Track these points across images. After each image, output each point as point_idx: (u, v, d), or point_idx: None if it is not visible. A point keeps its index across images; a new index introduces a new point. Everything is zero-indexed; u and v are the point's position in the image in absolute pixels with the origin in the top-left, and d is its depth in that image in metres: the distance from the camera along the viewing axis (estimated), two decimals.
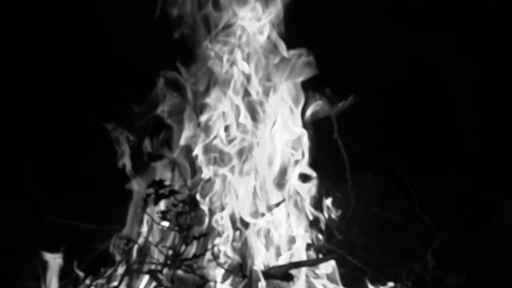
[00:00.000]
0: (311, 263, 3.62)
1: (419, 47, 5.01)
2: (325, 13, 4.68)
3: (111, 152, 3.79)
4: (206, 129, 3.76)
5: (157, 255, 3.56)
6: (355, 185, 3.98)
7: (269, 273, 3.53)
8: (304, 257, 3.67)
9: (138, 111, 3.78)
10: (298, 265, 3.58)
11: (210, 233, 3.61)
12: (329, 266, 3.65)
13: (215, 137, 3.74)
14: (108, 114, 3.86)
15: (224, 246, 3.59)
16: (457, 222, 4.24)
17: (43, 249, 3.54)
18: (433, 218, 4.00)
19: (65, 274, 3.57)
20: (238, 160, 3.74)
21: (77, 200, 4.36)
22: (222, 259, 3.57)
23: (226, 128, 3.77)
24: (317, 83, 3.83)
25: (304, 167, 3.78)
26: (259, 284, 3.47)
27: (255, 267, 3.53)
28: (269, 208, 3.68)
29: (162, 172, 3.73)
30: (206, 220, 3.63)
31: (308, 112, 3.82)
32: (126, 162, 3.76)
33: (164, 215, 3.50)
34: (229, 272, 3.52)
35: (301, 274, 3.61)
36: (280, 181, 3.76)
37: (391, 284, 3.69)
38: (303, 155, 3.78)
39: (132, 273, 3.52)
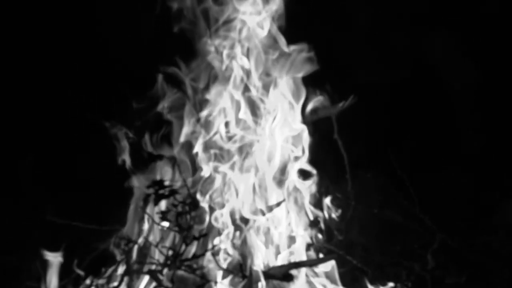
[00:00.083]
0: (311, 263, 3.62)
1: (419, 47, 5.01)
2: (325, 13, 4.67)
3: (111, 152, 3.79)
4: (206, 125, 3.75)
5: (157, 255, 3.56)
6: (355, 185, 3.98)
7: (269, 273, 3.53)
8: (304, 257, 3.67)
9: (137, 108, 3.78)
10: (298, 265, 3.58)
11: (210, 232, 3.61)
12: (329, 265, 3.65)
13: (215, 133, 3.74)
14: (108, 113, 3.86)
15: (224, 243, 3.58)
16: (457, 222, 4.24)
17: (43, 249, 3.54)
18: (433, 218, 4.00)
19: (65, 274, 3.57)
20: (238, 157, 3.73)
21: (77, 200, 4.36)
22: (222, 257, 3.57)
23: (226, 124, 3.76)
24: (317, 83, 3.83)
25: (304, 164, 3.78)
26: (259, 284, 3.47)
27: (255, 267, 3.53)
28: (270, 208, 3.67)
29: (163, 169, 3.73)
30: (207, 218, 3.62)
31: (309, 108, 3.81)
32: (125, 158, 3.76)
33: (164, 215, 3.50)
34: (229, 272, 3.52)
35: (301, 273, 3.61)
36: (280, 178, 3.76)
37: (391, 284, 3.69)
38: (303, 151, 3.77)
39: (132, 273, 3.52)
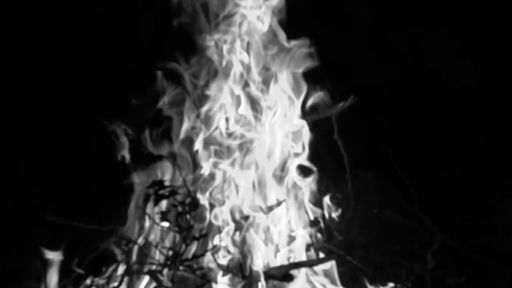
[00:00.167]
0: (311, 264, 3.62)
1: (419, 47, 5.01)
2: (325, 13, 4.67)
3: (111, 152, 3.79)
4: (206, 120, 3.75)
5: (158, 255, 3.55)
6: (355, 185, 3.98)
7: (269, 274, 3.53)
8: (304, 257, 3.67)
9: (137, 105, 3.77)
10: (298, 265, 3.58)
11: (210, 231, 3.60)
12: (328, 264, 3.65)
13: (215, 129, 3.73)
14: (108, 113, 3.85)
15: (224, 241, 3.58)
16: (457, 222, 4.24)
17: (43, 247, 3.54)
18: (433, 218, 4.00)
19: (65, 274, 3.57)
20: (238, 153, 3.73)
21: (77, 200, 4.35)
22: (222, 254, 3.56)
23: (226, 120, 3.75)
24: (317, 81, 3.82)
25: (304, 161, 3.77)
26: (259, 284, 3.47)
27: (255, 268, 3.53)
28: (270, 208, 3.67)
29: (163, 166, 3.72)
30: (207, 215, 3.62)
31: (309, 103, 3.80)
32: (125, 154, 3.75)
33: (164, 216, 3.50)
34: (229, 270, 3.52)
35: (301, 273, 3.61)
36: (280, 175, 3.75)
37: (391, 284, 3.69)
38: (303, 148, 3.77)
39: (132, 274, 3.52)
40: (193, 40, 3.81)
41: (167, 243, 3.59)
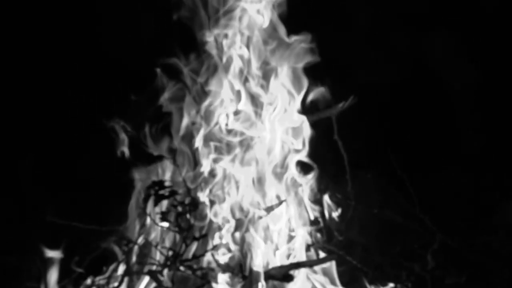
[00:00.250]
0: (311, 264, 3.62)
1: (419, 47, 5.01)
2: (325, 13, 4.67)
3: (111, 152, 3.78)
4: (206, 116, 3.74)
5: (158, 256, 3.55)
6: (355, 185, 3.98)
7: (269, 274, 3.53)
8: (304, 257, 3.67)
9: (137, 102, 3.76)
10: (298, 265, 3.58)
11: (210, 230, 3.60)
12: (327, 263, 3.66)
13: (215, 125, 3.72)
14: (108, 112, 3.85)
15: (225, 238, 3.57)
16: (457, 222, 4.24)
17: (42, 246, 3.53)
18: (433, 218, 3.99)
19: (65, 274, 3.57)
20: (238, 149, 3.72)
21: (77, 200, 4.35)
22: (222, 252, 3.56)
23: (227, 116, 3.75)
24: (317, 80, 3.82)
25: (304, 157, 3.77)
26: (259, 284, 3.47)
27: (255, 268, 3.53)
28: (270, 209, 3.67)
29: (163, 163, 3.72)
30: (208, 212, 3.61)
31: (310, 98, 3.80)
32: (124, 150, 3.74)
33: (164, 216, 3.50)
34: (229, 269, 3.52)
35: (301, 272, 3.62)
36: (281, 171, 3.75)
37: (391, 284, 3.69)
38: (303, 144, 3.77)
39: (132, 274, 3.52)
40: (193, 36, 3.79)
41: (167, 243, 3.59)
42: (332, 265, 3.64)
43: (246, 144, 3.74)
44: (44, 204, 4.07)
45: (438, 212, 4.12)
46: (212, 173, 3.70)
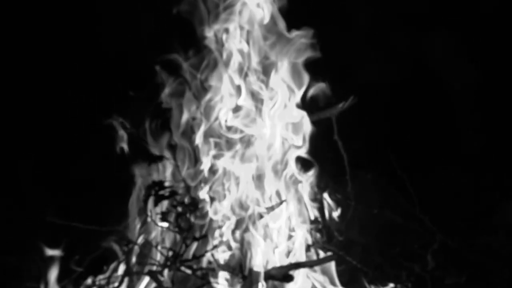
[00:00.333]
0: (311, 264, 3.62)
1: (419, 47, 5.01)
2: (325, 13, 4.67)
3: (111, 152, 3.78)
4: (206, 112, 3.73)
5: (158, 256, 3.56)
6: (355, 185, 3.98)
7: (269, 274, 3.53)
8: (303, 257, 3.67)
9: (138, 100, 3.75)
10: (298, 266, 3.58)
11: (210, 229, 3.60)
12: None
13: (215, 120, 3.72)
14: (109, 112, 3.85)
15: (225, 235, 3.58)
16: (457, 222, 4.24)
17: (42, 244, 3.53)
18: (433, 218, 3.99)
19: (65, 274, 3.57)
20: (238, 146, 3.71)
21: (77, 200, 4.36)
22: (222, 249, 3.56)
23: (227, 111, 3.74)
24: (317, 79, 3.82)
25: (304, 154, 3.76)
26: (259, 284, 3.47)
27: (255, 268, 3.53)
28: (270, 209, 3.67)
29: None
30: (208, 210, 3.61)
31: (310, 94, 3.79)
32: (124, 146, 3.73)
33: (164, 216, 3.50)
34: (229, 268, 3.52)
35: (301, 272, 3.62)
36: (281, 168, 3.74)
37: (391, 284, 3.69)
38: (303, 140, 3.77)
39: (133, 274, 3.52)
40: (193, 31, 3.78)
41: (167, 243, 3.59)
42: (331, 265, 3.64)
43: (246, 141, 3.73)
44: (44, 204, 4.07)
45: (438, 212, 4.12)
46: (212, 170, 3.69)
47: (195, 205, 3.52)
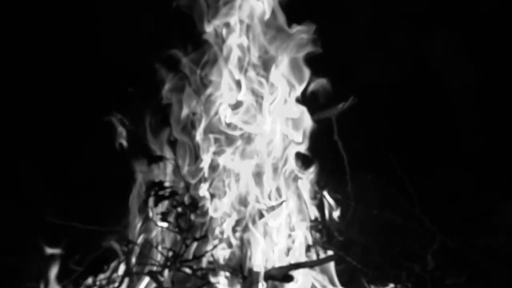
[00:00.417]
0: (311, 264, 3.62)
1: (419, 47, 5.01)
2: (325, 13, 4.67)
3: (111, 152, 3.78)
4: (206, 107, 3.73)
5: (159, 256, 3.56)
6: (355, 186, 3.98)
7: (269, 274, 3.53)
8: (303, 257, 3.67)
9: (137, 99, 3.75)
10: (298, 266, 3.58)
11: (210, 228, 3.60)
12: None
13: (215, 115, 3.71)
14: (109, 111, 3.85)
15: (226, 232, 3.57)
16: (457, 222, 4.24)
17: (42, 243, 3.54)
18: (433, 218, 3.99)
19: (65, 274, 3.57)
20: (239, 142, 3.71)
21: (77, 200, 4.36)
22: (222, 247, 3.56)
23: (227, 107, 3.73)
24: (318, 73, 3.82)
25: (304, 150, 3.76)
26: (259, 285, 3.48)
27: (255, 268, 3.53)
28: (270, 209, 3.67)
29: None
30: (209, 208, 3.61)
31: (310, 90, 3.78)
32: (123, 142, 3.72)
33: (164, 217, 3.50)
34: (229, 268, 3.52)
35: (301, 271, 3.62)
36: (281, 166, 3.74)
37: (391, 285, 3.69)
38: (304, 136, 3.76)
39: (133, 275, 3.52)
40: (192, 25, 3.77)
41: (167, 244, 3.59)
42: (330, 265, 3.64)
43: (246, 137, 3.72)
44: (44, 204, 4.07)
45: (438, 212, 4.12)
46: (212, 166, 3.69)
47: (195, 205, 3.52)
